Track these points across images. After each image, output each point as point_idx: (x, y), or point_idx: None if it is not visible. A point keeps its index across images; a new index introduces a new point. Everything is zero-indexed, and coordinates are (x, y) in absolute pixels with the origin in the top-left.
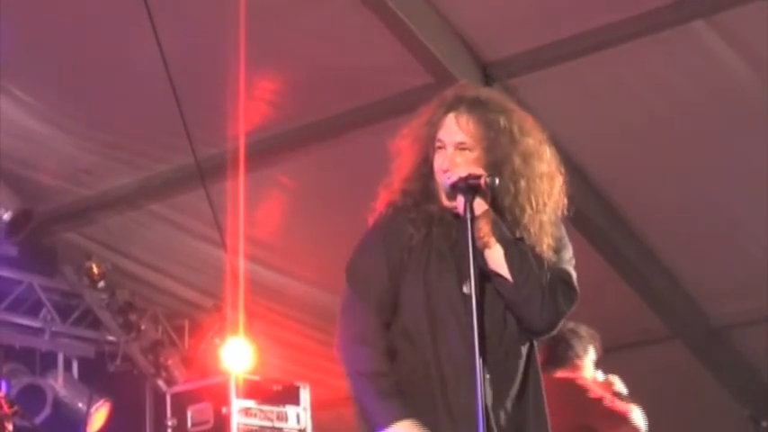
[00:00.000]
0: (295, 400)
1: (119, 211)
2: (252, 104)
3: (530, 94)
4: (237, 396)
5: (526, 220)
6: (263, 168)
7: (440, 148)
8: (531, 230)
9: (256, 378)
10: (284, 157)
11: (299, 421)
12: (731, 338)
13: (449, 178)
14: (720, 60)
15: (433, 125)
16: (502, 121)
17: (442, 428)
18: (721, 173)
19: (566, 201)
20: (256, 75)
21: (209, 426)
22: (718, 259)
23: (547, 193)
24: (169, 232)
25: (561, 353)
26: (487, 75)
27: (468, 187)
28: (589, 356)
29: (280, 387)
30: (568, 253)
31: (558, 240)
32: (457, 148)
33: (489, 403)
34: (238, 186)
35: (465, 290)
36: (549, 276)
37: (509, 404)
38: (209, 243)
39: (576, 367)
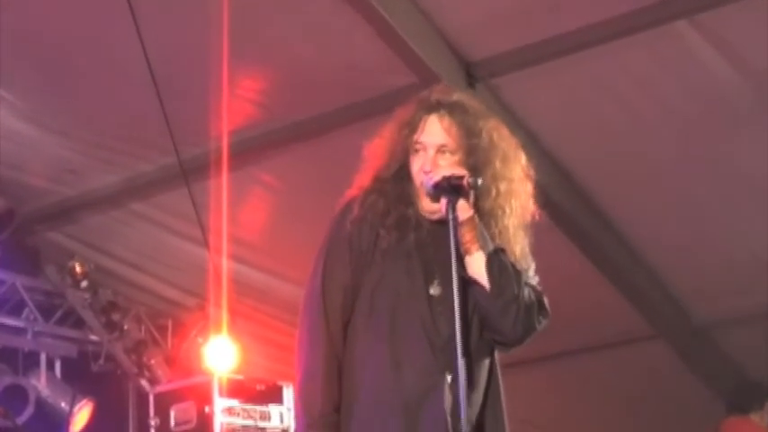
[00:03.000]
0: (279, 399)
1: (102, 211)
2: (236, 103)
3: (512, 94)
4: (221, 395)
5: (504, 222)
6: (246, 167)
7: (419, 150)
8: (508, 234)
9: (240, 377)
10: (268, 156)
11: (282, 420)
12: (714, 337)
13: (431, 179)
14: (702, 60)
15: (412, 127)
16: (482, 124)
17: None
18: (705, 172)
19: (534, 207)
20: (240, 74)
21: (193, 425)
22: (702, 259)
23: (524, 196)
24: (152, 232)
25: None
26: (470, 74)
27: (452, 187)
28: None
29: (263, 386)
30: (532, 267)
31: (525, 248)
32: (438, 151)
33: (448, 408)
34: (222, 185)
35: (432, 291)
36: (526, 292)
37: (469, 411)
38: (193, 242)
39: None
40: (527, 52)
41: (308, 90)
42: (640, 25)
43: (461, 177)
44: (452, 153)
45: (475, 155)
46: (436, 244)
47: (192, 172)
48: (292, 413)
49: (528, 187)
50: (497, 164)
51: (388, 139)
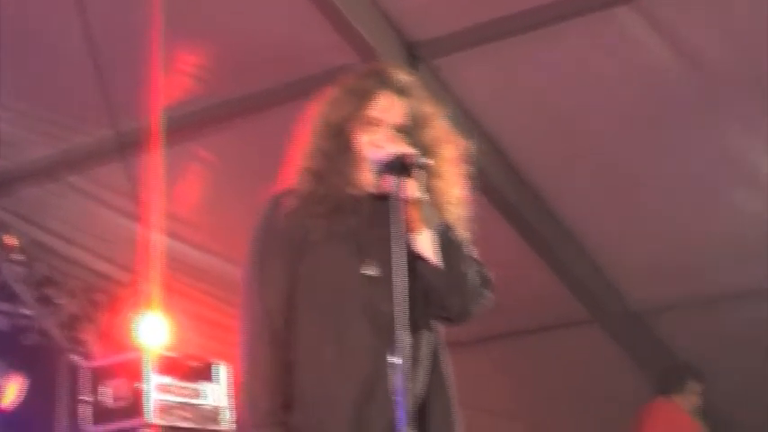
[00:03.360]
0: (212, 377)
1: (37, 184)
2: (174, 78)
3: (454, 75)
4: (154, 372)
5: (449, 202)
6: (184, 142)
7: (373, 124)
8: (450, 215)
9: (173, 354)
10: (206, 131)
11: (215, 398)
12: (649, 322)
13: (383, 155)
14: (643, 44)
15: (364, 97)
16: (430, 109)
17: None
18: (644, 158)
19: (472, 191)
20: (179, 48)
21: (126, 402)
22: (638, 245)
23: (463, 180)
24: (88, 205)
25: None
26: (412, 54)
27: (402, 166)
28: None
29: (197, 364)
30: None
31: (465, 231)
32: (393, 129)
33: (395, 388)
34: (158, 160)
35: (371, 272)
36: (473, 268)
37: (414, 387)
38: (129, 217)
39: None
40: (469, 34)
41: (248, 66)
42: (581, 9)
43: (413, 156)
44: (406, 134)
45: (426, 136)
46: (376, 222)
47: (128, 145)
48: (224, 391)
49: (466, 171)
50: (443, 145)
51: (329, 106)
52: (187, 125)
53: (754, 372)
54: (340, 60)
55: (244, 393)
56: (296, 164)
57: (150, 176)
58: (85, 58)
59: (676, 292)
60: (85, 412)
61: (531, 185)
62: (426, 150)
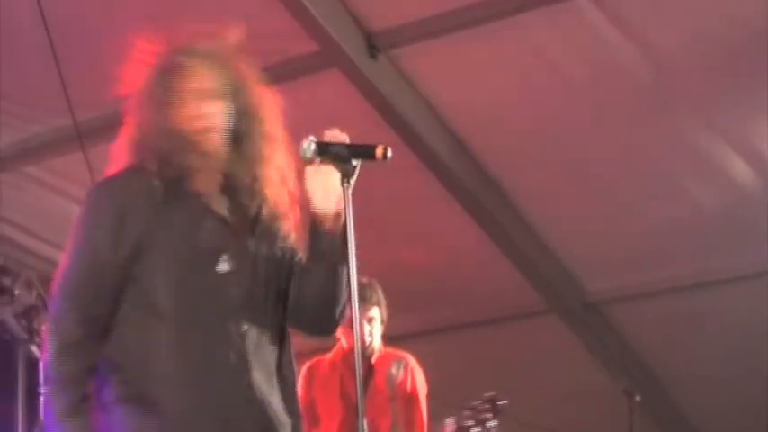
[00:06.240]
0: None
1: None
2: (131, 66)
3: (413, 65)
4: None
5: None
6: None
7: (191, 99)
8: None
9: None
10: None
11: None
12: (606, 313)
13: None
14: (602, 36)
15: (179, 74)
16: (245, 71)
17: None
18: (602, 149)
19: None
20: (136, 36)
21: None
22: (596, 235)
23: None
24: (45, 196)
25: None
26: (372, 44)
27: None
28: None
29: None
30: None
31: None
32: (208, 98)
33: (247, 374)
34: None
35: (221, 267)
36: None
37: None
38: None
39: None
40: (429, 24)
41: None
42: (543, 0)
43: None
44: (222, 100)
45: (240, 103)
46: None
47: (87, 135)
48: None
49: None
50: (260, 111)
51: (148, 88)
52: None
53: (711, 361)
54: (300, 50)
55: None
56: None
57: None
58: (44, 46)
59: (636, 282)
60: None
61: (488, 173)
62: (244, 115)
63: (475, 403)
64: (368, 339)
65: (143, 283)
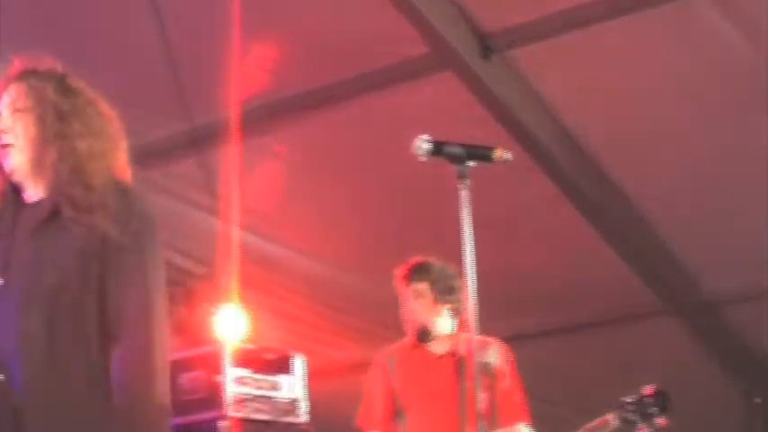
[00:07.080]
0: (289, 369)
1: None
2: (249, 72)
3: (528, 66)
4: (231, 365)
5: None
6: (259, 137)
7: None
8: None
9: (251, 347)
10: (281, 125)
11: (292, 391)
12: (726, 314)
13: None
14: (719, 34)
15: None
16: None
17: None
18: (721, 147)
19: None
20: (254, 42)
21: (203, 394)
22: (715, 234)
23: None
24: (165, 201)
25: None
26: (486, 45)
27: None
28: None
29: (273, 356)
30: None
31: None
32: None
33: None
34: (234, 154)
35: None
36: None
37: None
38: (205, 211)
39: None
40: (542, 24)
41: (321, 59)
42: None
43: None
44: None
45: (62, 107)
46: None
47: (204, 140)
48: (302, 383)
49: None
50: (81, 115)
51: None
52: (262, 119)
53: None
54: (412, 52)
55: None
56: None
57: (226, 170)
58: (161, 51)
59: (754, 281)
60: None
61: (604, 174)
62: (63, 117)
63: (635, 397)
64: (412, 317)
65: None
